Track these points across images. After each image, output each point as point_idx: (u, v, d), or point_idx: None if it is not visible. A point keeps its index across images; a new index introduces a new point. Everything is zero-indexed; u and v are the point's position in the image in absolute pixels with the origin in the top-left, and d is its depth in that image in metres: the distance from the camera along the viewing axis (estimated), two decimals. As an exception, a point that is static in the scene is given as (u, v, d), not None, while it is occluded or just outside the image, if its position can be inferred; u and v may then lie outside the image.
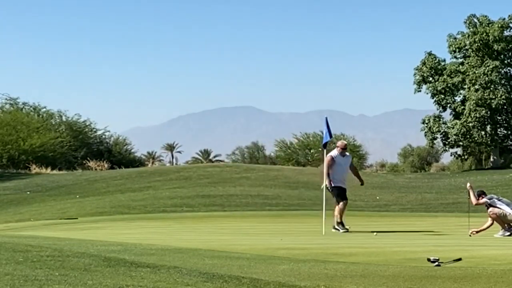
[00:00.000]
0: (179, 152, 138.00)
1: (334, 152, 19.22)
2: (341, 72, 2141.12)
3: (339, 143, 19.64)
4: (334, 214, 18.81)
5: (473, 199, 18.22)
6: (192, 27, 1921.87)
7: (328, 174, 18.86)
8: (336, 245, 14.00)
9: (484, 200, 18.04)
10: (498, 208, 17.68)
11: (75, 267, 9.14)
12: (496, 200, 17.98)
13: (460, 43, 61.78)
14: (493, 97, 59.56)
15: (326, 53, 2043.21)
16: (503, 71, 61.58)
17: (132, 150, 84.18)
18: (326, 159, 18.97)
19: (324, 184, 18.93)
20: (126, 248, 12.15)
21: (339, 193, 18.84)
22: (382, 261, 10.86)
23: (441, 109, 63.06)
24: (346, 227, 18.67)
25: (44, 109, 75.30)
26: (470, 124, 60.07)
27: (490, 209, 17.75)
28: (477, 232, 17.37)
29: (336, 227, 18.62)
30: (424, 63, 62.52)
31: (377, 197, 36.18)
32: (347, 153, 19.59)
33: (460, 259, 10.58)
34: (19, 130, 63.93)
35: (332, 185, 18.80)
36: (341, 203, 18.73)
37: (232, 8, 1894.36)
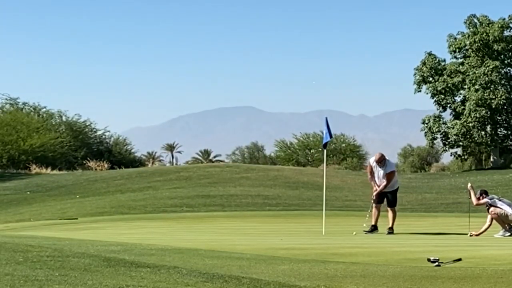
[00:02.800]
0: (179, 152, 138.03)
1: (372, 159, 19.18)
2: (341, 72, 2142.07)
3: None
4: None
5: (474, 200, 18.19)
6: (192, 27, 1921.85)
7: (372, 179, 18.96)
8: (336, 245, 14.00)
9: (484, 200, 18.02)
10: (500, 208, 17.67)
11: (75, 267, 9.13)
12: (497, 200, 17.96)
13: (460, 43, 61.77)
14: (493, 97, 59.54)
15: (326, 53, 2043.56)
16: (503, 71, 61.56)
17: (132, 150, 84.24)
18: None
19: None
20: (126, 248, 12.14)
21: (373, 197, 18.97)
22: (382, 261, 10.85)
23: (441, 109, 63.06)
24: (366, 229, 18.47)
25: (44, 109, 75.43)
26: (470, 124, 60.05)
27: (491, 208, 17.72)
28: (477, 235, 17.36)
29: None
30: (424, 63, 62.51)
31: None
32: (384, 166, 18.85)
33: (460, 259, 10.58)
34: (19, 130, 63.92)
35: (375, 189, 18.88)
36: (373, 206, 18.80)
37: (232, 8, 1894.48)
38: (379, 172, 18.76)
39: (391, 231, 18.37)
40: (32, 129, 64.67)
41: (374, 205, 18.73)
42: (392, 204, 18.80)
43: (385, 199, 18.87)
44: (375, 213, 18.66)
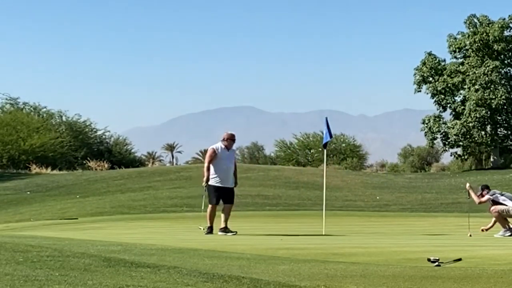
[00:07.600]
0: (179, 152, 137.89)
1: (218, 144, 17.16)
2: (341, 72, 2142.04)
3: (225, 134, 17.28)
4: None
5: (476, 199, 17.94)
6: (192, 27, 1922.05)
7: (208, 169, 16.88)
8: (336, 245, 13.98)
9: (487, 197, 17.73)
10: (502, 204, 17.45)
11: (75, 267, 9.12)
12: (499, 196, 17.67)
13: (460, 43, 61.79)
14: (493, 97, 59.55)
15: (326, 53, 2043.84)
16: (503, 71, 61.59)
17: (132, 150, 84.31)
18: (208, 151, 16.93)
19: (204, 183, 17.10)
20: (126, 248, 12.13)
21: (218, 194, 17.14)
22: (382, 261, 10.84)
23: (441, 109, 63.09)
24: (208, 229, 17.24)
25: (44, 109, 75.50)
26: (470, 124, 60.05)
27: (492, 207, 17.53)
28: (487, 229, 17.33)
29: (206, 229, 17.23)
30: (424, 63, 62.53)
31: (377, 197, 36.19)
32: (233, 148, 17.40)
33: (460, 259, 10.57)
34: (19, 130, 63.95)
35: (213, 183, 16.99)
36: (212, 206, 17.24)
37: (232, 8, 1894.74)
38: (226, 155, 16.91)
39: (225, 230, 17.18)
40: (32, 129, 64.71)
41: (211, 205, 17.18)
42: (232, 200, 17.33)
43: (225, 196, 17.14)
44: (211, 213, 17.23)
